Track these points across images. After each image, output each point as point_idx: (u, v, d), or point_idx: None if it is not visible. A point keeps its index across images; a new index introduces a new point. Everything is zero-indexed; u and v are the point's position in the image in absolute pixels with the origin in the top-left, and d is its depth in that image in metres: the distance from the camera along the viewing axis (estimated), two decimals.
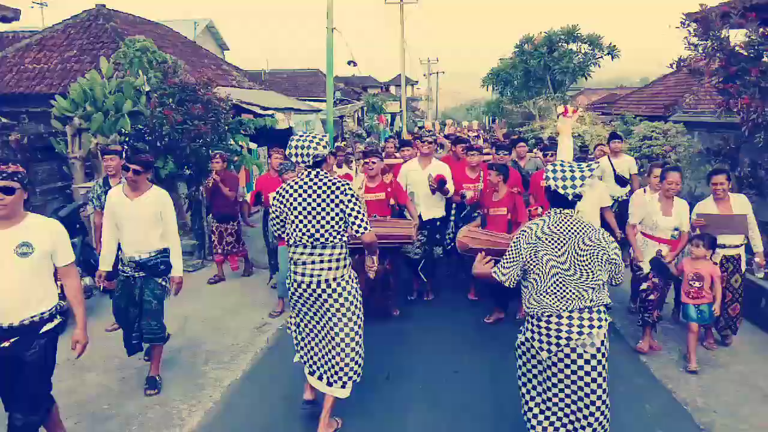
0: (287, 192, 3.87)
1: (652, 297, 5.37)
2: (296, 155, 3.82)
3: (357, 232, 3.86)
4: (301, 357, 4.14)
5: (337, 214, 3.79)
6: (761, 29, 6.06)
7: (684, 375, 4.97)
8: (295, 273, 3.87)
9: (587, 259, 3.14)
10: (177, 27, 20.48)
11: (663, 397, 4.64)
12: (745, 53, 6.03)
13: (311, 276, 3.82)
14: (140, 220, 4.51)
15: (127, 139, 7.84)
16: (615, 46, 22.24)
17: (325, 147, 3.82)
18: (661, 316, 5.56)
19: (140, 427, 4.16)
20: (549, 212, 3.29)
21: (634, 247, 5.56)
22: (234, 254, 7.89)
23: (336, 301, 3.87)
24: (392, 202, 6.41)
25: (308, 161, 3.80)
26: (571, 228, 3.20)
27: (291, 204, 3.82)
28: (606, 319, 3.23)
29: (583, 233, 3.17)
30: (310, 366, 4.07)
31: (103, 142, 7.50)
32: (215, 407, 4.50)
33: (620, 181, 7.75)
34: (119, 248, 4.67)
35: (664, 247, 5.42)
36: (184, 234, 8.91)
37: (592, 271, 3.15)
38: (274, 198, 3.94)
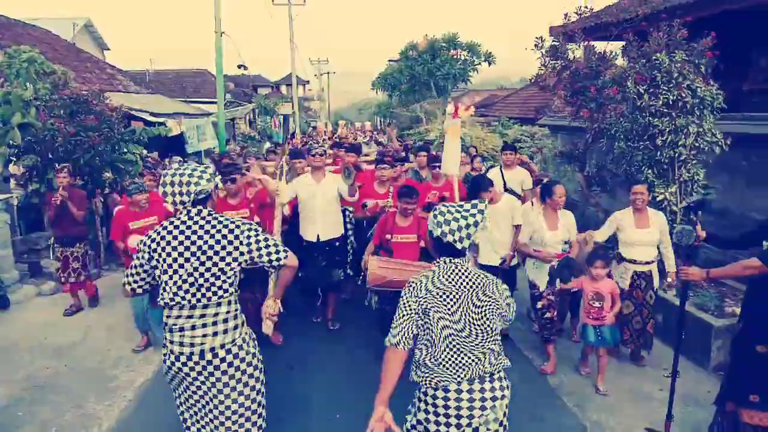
0: (161, 237, 3.01)
1: (548, 315, 5.27)
2: (173, 194, 2.98)
3: (278, 262, 3.11)
4: None
5: (219, 263, 2.98)
6: (600, 47, 7.20)
7: (541, 346, 5.86)
8: (172, 343, 3.04)
9: (483, 316, 2.70)
10: (51, 26, 19.56)
11: (523, 367, 5.51)
12: (586, 71, 7.13)
13: (191, 346, 2.99)
14: None
15: (17, 151, 7.77)
16: (491, 53, 23.98)
17: (209, 180, 3.03)
18: (562, 329, 5.55)
19: (60, 429, 4.43)
20: (437, 263, 2.80)
21: (529, 250, 5.34)
22: (84, 282, 7.04)
23: (225, 374, 3.05)
24: (257, 219, 5.59)
25: (188, 201, 2.99)
26: (465, 281, 2.71)
27: (166, 252, 2.98)
28: (509, 386, 2.82)
29: (479, 286, 2.72)
30: None
31: None
32: (130, 406, 4.82)
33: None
34: None
35: (556, 262, 5.20)
36: None
37: (489, 330, 2.72)
38: (143, 243, 3.07)
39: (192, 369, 3.02)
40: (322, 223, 5.93)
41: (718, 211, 7.85)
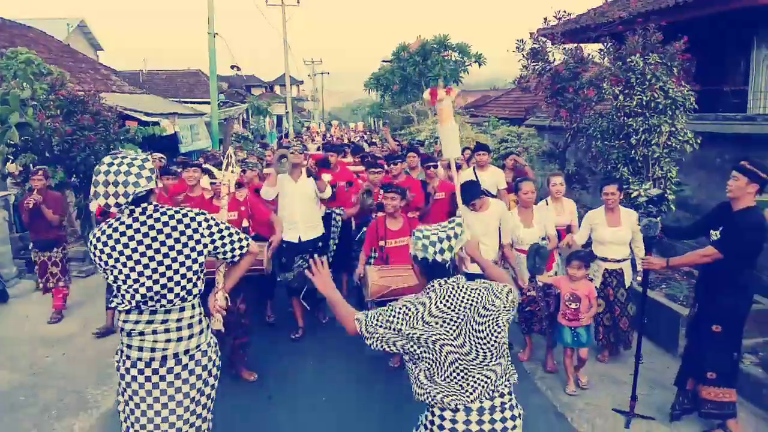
0: (104, 242, 2.67)
1: (529, 308, 5.35)
2: (106, 195, 2.60)
3: (242, 252, 2.98)
4: None
5: (185, 262, 2.74)
6: (577, 51, 7.50)
7: (519, 334, 5.90)
8: (129, 347, 2.78)
9: (487, 334, 2.50)
10: (45, 27, 19.72)
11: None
12: (565, 73, 7.43)
13: (152, 351, 2.75)
14: None
15: (14, 150, 8.00)
16: (481, 54, 24.33)
17: (149, 179, 2.68)
18: (542, 328, 5.42)
19: (59, 412, 4.67)
20: (432, 286, 2.58)
21: (515, 267, 5.30)
22: (58, 289, 6.72)
23: (186, 382, 2.82)
24: (246, 224, 5.34)
25: (125, 203, 2.64)
26: (464, 302, 2.51)
27: (115, 257, 2.66)
28: (521, 415, 2.63)
29: (479, 302, 2.52)
30: None
31: None
32: None
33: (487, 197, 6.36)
34: None
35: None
36: (75, 240, 9.15)
37: (496, 344, 2.53)
38: (93, 252, 2.73)
39: (148, 378, 2.75)
40: (303, 222, 5.83)
41: (694, 207, 8.16)
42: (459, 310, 2.49)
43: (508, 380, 2.61)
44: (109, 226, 2.71)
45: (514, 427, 2.57)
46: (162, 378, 2.77)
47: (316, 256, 2.86)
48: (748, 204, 3.83)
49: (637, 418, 4.43)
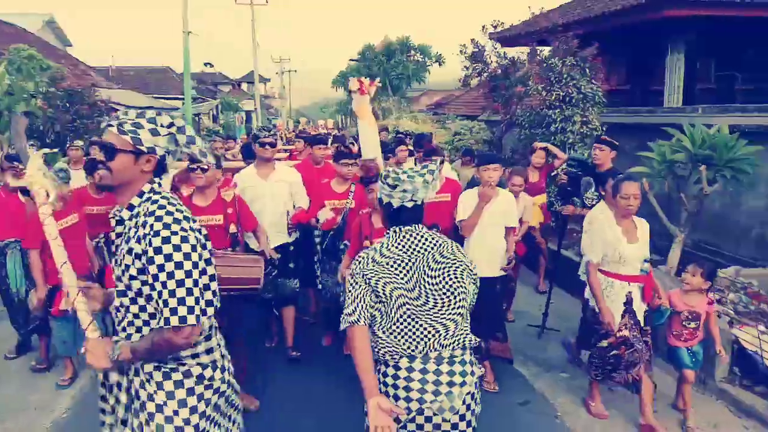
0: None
1: (617, 353, 3.88)
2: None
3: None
4: None
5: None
6: (510, 52, 8.96)
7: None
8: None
9: (441, 280, 2.39)
10: (18, 21, 20.29)
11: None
12: (499, 73, 8.85)
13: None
14: None
15: None
16: (441, 54, 25.91)
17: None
18: (640, 377, 3.95)
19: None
20: (388, 232, 2.51)
21: (599, 298, 3.95)
22: None
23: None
24: (233, 229, 4.34)
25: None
26: (418, 246, 2.43)
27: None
28: (473, 372, 2.45)
29: (435, 248, 2.45)
30: None
31: None
32: None
33: None
34: None
35: (634, 288, 3.99)
36: None
37: (452, 295, 2.40)
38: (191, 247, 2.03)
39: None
40: (271, 226, 4.90)
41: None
42: (411, 253, 2.41)
43: (464, 340, 2.46)
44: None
45: (463, 383, 2.40)
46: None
47: None
48: (609, 166, 5.30)
49: (547, 330, 5.65)
